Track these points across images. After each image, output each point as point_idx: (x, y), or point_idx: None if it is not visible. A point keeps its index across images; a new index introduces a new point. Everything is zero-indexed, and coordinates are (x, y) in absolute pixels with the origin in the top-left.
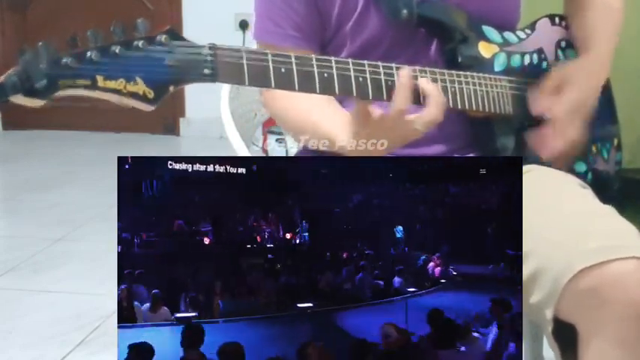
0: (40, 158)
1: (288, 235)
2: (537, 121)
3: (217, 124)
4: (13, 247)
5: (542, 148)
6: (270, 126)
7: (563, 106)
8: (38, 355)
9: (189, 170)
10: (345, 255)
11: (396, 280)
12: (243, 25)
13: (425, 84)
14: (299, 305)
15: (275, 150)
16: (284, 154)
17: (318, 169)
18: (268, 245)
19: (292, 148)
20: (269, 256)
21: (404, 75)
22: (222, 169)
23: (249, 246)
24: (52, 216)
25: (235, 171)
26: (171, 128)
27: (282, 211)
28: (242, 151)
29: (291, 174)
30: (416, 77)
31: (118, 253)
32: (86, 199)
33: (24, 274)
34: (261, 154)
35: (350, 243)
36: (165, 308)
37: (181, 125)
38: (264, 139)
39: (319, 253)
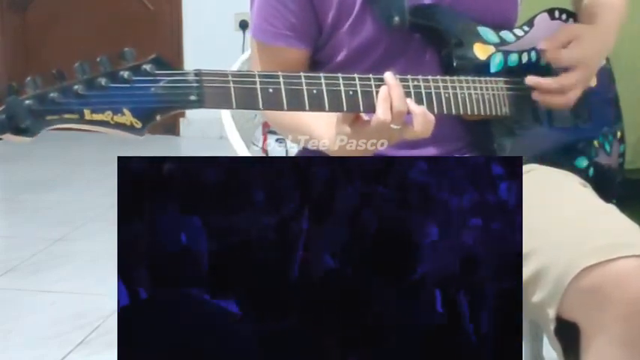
0: (40, 158)
1: None
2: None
3: (217, 125)
4: (13, 247)
5: (541, 94)
6: (270, 126)
7: (569, 55)
8: (38, 355)
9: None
10: None
11: None
12: (243, 25)
13: (410, 104)
14: None
15: (275, 150)
16: (284, 155)
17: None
18: None
19: (292, 149)
20: None
21: (382, 88)
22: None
23: None
24: (52, 216)
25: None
26: (171, 128)
27: None
28: (242, 151)
29: None
30: (407, 86)
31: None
32: (86, 199)
33: (24, 274)
34: (260, 154)
35: None
36: None
37: (181, 125)
38: (264, 140)
39: None
